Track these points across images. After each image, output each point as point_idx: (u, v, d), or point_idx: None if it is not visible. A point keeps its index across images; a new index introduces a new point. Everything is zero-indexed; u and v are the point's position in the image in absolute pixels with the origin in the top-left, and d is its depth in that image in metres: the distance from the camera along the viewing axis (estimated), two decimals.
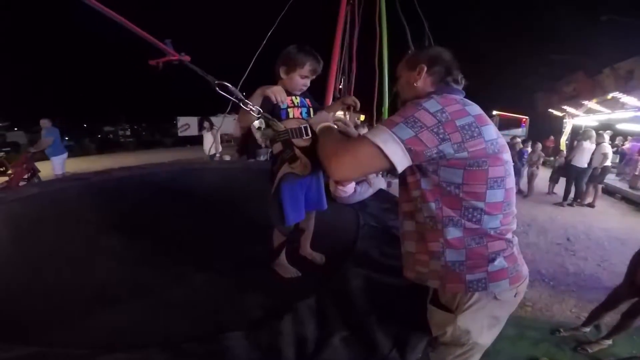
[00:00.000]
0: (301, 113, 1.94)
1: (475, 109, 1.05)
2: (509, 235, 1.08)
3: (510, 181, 1.08)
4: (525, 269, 1.11)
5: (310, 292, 1.87)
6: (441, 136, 0.96)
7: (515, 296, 1.08)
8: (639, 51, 7.38)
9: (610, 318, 2.42)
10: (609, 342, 2.19)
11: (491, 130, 1.03)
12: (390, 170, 1.02)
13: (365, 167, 1.03)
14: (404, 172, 1.06)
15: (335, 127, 1.39)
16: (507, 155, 1.07)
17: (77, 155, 13.13)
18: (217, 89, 1.55)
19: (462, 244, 1.03)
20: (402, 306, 1.59)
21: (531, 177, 7.84)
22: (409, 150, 0.96)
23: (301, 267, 2.08)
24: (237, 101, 1.60)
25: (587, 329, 2.31)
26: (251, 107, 1.60)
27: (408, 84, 1.24)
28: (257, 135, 6.08)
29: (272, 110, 1.80)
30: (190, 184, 4.93)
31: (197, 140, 20.92)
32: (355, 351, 1.45)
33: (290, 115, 1.87)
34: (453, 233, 1.04)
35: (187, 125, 19.83)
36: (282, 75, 1.86)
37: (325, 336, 1.50)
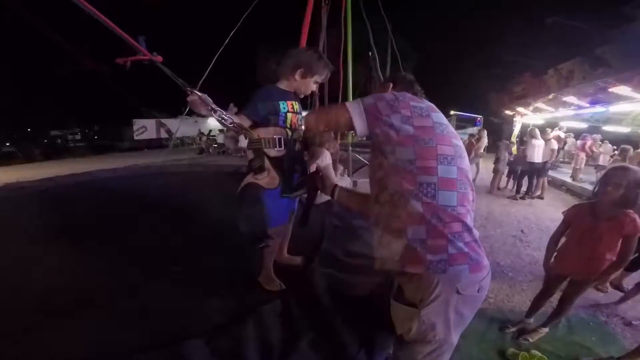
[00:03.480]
0: (298, 120, 1.90)
1: (428, 103, 1.23)
2: (468, 220, 1.11)
3: (463, 162, 1.17)
4: (486, 262, 1.12)
5: (274, 295, 1.82)
6: (393, 108, 1.14)
7: (478, 291, 1.08)
8: (578, 52, 7.98)
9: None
10: (546, 329, 2.30)
11: (441, 117, 1.19)
12: (352, 130, 1.19)
13: (332, 121, 1.27)
14: (372, 156, 1.23)
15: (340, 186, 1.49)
16: (456, 141, 1.19)
17: (21, 162, 12.12)
18: (188, 94, 1.47)
19: (422, 219, 1.06)
20: (369, 305, 1.57)
21: (496, 174, 7.83)
22: (367, 113, 1.16)
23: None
24: (209, 108, 1.50)
25: (531, 320, 2.40)
26: (223, 115, 1.53)
27: None
28: (219, 138, 5.96)
29: (270, 114, 1.77)
30: (146, 190, 4.71)
31: (155, 144, 20.16)
32: (323, 354, 1.42)
33: (289, 120, 1.84)
34: (413, 206, 1.08)
35: (144, 128, 18.94)
36: (297, 77, 1.83)
37: (291, 340, 1.46)
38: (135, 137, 18.43)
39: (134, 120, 18.63)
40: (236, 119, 1.64)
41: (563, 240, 2.22)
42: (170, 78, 1.44)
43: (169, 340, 1.47)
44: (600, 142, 9.47)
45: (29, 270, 2.16)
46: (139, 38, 1.39)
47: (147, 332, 1.58)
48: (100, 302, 1.81)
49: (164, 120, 19.17)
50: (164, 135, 19.04)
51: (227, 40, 4.44)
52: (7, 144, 26.42)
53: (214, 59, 4.35)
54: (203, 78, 4.48)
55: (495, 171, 7.84)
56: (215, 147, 14.02)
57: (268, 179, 1.74)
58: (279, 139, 1.76)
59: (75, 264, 2.23)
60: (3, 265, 2.22)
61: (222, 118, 1.53)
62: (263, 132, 1.77)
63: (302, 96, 1.93)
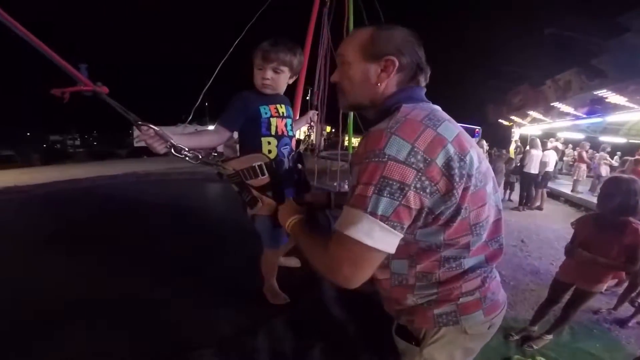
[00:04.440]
0: (286, 125, 1.69)
1: (449, 128, 0.81)
2: (487, 270, 0.93)
3: (495, 213, 0.92)
4: (502, 296, 0.98)
5: (285, 304, 1.80)
6: (427, 190, 0.75)
7: (489, 328, 0.96)
8: (575, 63, 8.09)
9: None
10: (550, 336, 2.31)
11: (474, 158, 0.81)
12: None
13: (368, 268, 0.80)
14: None
15: (301, 218, 1.10)
16: (490, 184, 0.89)
17: (19, 167, 12.07)
18: (139, 130, 1.27)
19: (433, 290, 0.90)
20: (382, 312, 1.56)
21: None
22: (398, 226, 0.75)
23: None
24: (167, 145, 1.32)
25: (535, 328, 2.41)
26: (186, 152, 1.34)
27: (364, 82, 0.92)
28: (219, 147, 5.83)
29: (248, 121, 1.59)
30: (148, 196, 4.69)
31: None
32: None
33: (273, 126, 1.63)
34: (425, 287, 0.91)
35: None
36: (289, 80, 1.70)
37: (302, 349, 1.44)
38: (135, 144, 18.40)
39: (133, 126, 18.62)
40: (209, 138, 1.53)
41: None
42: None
43: (176, 350, 1.44)
44: (606, 154, 9.44)
45: (27, 274, 2.13)
46: (81, 66, 1.20)
47: (153, 341, 1.55)
48: (102, 309, 1.77)
49: (164, 128, 19.19)
50: None
51: (232, 48, 4.44)
52: (6, 147, 26.34)
53: (219, 67, 4.35)
54: (207, 87, 4.50)
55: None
56: (214, 155, 14.01)
57: (265, 207, 1.55)
58: (259, 167, 1.52)
59: (75, 269, 2.19)
60: (2, 268, 2.18)
61: (186, 156, 1.34)
62: (239, 163, 1.56)
63: (265, 90, 1.65)
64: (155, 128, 1.25)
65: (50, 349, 1.48)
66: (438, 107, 0.92)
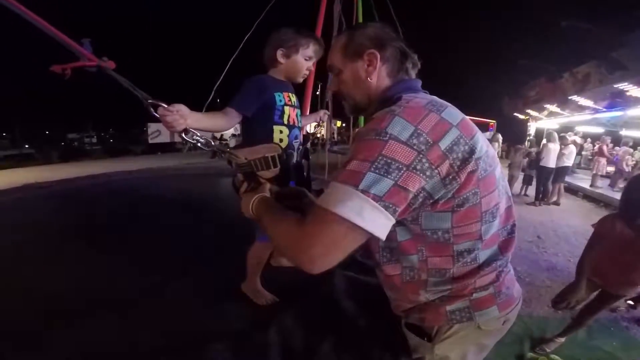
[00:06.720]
0: (297, 115, 1.66)
1: (453, 113, 0.79)
2: (502, 263, 0.90)
3: (506, 199, 0.90)
4: (517, 291, 0.96)
5: (296, 300, 1.81)
6: (427, 173, 0.71)
7: (503, 324, 0.93)
8: (594, 56, 7.85)
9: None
10: (563, 339, 2.25)
11: (480, 141, 0.79)
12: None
13: (344, 251, 0.73)
14: None
15: (264, 195, 1.06)
16: (498, 169, 0.86)
17: (39, 164, 12.46)
18: (150, 108, 1.14)
19: (447, 286, 0.88)
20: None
21: (511, 180, 7.79)
22: (391, 208, 0.70)
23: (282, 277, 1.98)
24: (179, 131, 1.18)
25: (559, 312, 2.34)
26: (198, 137, 1.22)
27: (357, 81, 0.96)
28: (232, 143, 5.87)
29: (264, 108, 1.54)
30: (163, 192, 4.78)
31: (169, 148, 20.51)
32: (347, 357, 1.41)
33: (286, 115, 1.59)
34: (439, 283, 0.88)
35: (159, 131, 19.20)
36: (281, 59, 1.58)
37: (313, 344, 1.45)
38: (150, 141, 18.72)
39: (148, 123, 18.93)
40: (220, 120, 1.43)
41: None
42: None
43: (190, 344, 1.47)
44: (630, 148, 9.11)
45: (46, 269, 2.19)
46: (84, 41, 1.10)
47: (166, 335, 1.57)
48: (118, 302, 1.80)
49: None
50: (177, 139, 19.30)
51: (241, 44, 4.45)
52: (26, 145, 27.20)
53: (229, 62, 4.37)
54: (218, 82, 4.52)
55: (510, 177, 7.79)
56: (224, 142, 14.19)
57: None
58: (272, 158, 1.38)
59: (93, 263, 2.25)
60: (21, 264, 2.25)
61: (197, 141, 1.21)
62: (251, 153, 1.41)
63: (300, 80, 1.65)
64: (165, 106, 1.14)
65: (68, 341, 1.52)
66: (436, 97, 0.91)
